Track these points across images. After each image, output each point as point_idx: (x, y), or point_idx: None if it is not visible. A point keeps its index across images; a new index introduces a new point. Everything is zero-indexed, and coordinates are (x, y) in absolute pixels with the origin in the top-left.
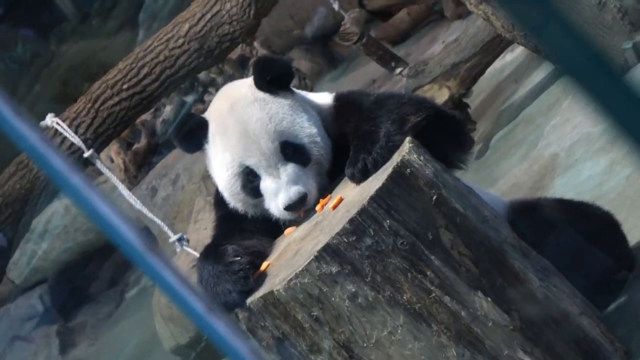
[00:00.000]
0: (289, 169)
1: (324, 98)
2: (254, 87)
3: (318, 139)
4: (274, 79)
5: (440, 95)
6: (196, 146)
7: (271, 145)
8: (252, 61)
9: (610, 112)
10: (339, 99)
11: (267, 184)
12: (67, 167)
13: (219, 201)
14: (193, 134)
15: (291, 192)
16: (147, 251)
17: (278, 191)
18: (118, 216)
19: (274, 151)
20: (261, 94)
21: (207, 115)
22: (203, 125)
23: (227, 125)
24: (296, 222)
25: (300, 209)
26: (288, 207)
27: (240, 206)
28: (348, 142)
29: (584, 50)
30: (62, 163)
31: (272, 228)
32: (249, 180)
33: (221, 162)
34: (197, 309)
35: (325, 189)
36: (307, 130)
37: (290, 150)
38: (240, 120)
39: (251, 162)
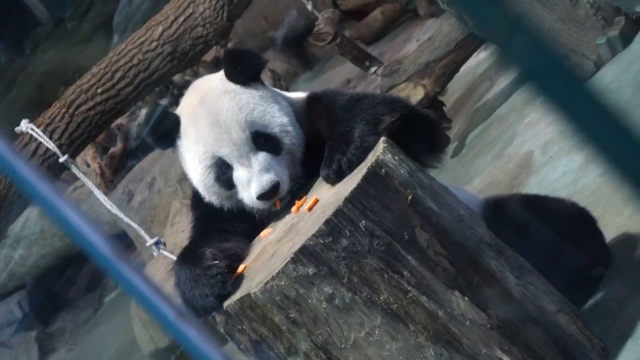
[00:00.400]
0: (260, 158)
1: (297, 96)
2: (224, 79)
3: (289, 128)
4: (245, 69)
5: (416, 93)
6: (169, 142)
7: (242, 135)
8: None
9: (574, 118)
10: (312, 97)
11: (239, 174)
12: (35, 175)
13: (196, 201)
14: (166, 131)
15: (263, 180)
16: (116, 258)
17: (250, 180)
18: (87, 223)
19: (245, 141)
20: (232, 86)
21: (179, 111)
22: (175, 121)
23: (198, 118)
24: (270, 214)
25: (274, 197)
26: (261, 196)
27: (215, 199)
28: (320, 140)
29: (547, 55)
30: (29, 171)
31: (250, 228)
32: (222, 171)
33: (194, 155)
34: (168, 315)
35: (298, 179)
36: (279, 120)
37: (262, 140)
38: (211, 112)
39: (223, 153)
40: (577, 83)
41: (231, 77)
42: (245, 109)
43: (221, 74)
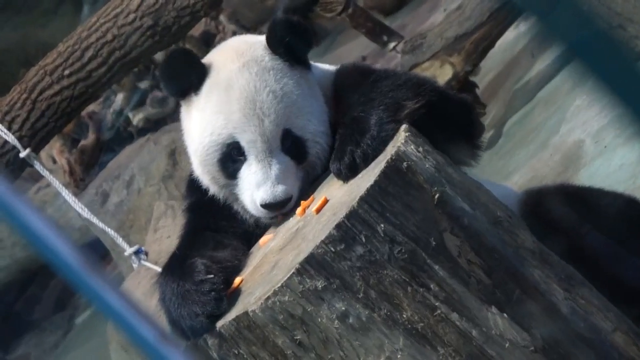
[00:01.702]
0: (283, 162)
1: (326, 70)
2: (269, 50)
3: (321, 140)
4: (292, 44)
5: (442, 73)
6: (182, 91)
7: (275, 129)
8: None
9: (628, 102)
10: (340, 73)
11: (251, 170)
12: None
13: (191, 186)
14: (189, 72)
15: (278, 190)
16: (87, 270)
17: (262, 183)
18: (52, 230)
19: (275, 135)
20: (279, 63)
21: (209, 63)
22: (203, 70)
23: (232, 85)
24: (269, 224)
25: (278, 211)
26: (267, 206)
27: (207, 179)
28: None
29: (596, 28)
30: None
31: (251, 230)
32: (232, 157)
33: (208, 122)
34: (148, 338)
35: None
36: (313, 126)
37: (289, 142)
38: (250, 86)
39: (244, 139)
40: (631, 60)
41: (276, 49)
42: (287, 98)
43: (264, 41)
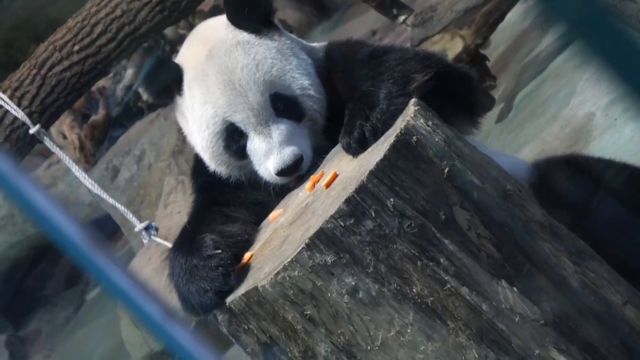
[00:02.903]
0: (281, 127)
1: (313, 46)
2: (231, 27)
3: (312, 91)
4: (252, 13)
5: (453, 46)
6: (168, 96)
7: (260, 99)
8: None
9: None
10: (331, 48)
11: (256, 145)
12: None
13: (198, 167)
14: (165, 83)
15: (285, 154)
16: (91, 248)
17: (269, 153)
18: (56, 207)
19: (263, 105)
20: (244, 35)
21: (181, 61)
22: (177, 73)
23: (206, 75)
24: (285, 189)
25: (295, 173)
26: (281, 172)
27: (223, 169)
28: (340, 101)
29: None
30: None
31: (260, 202)
32: (234, 139)
33: (200, 117)
34: (154, 315)
35: (321, 149)
36: (300, 81)
37: (282, 104)
38: (222, 69)
39: (237, 119)
40: (632, 38)
41: (238, 22)
42: (262, 65)
43: (225, 20)
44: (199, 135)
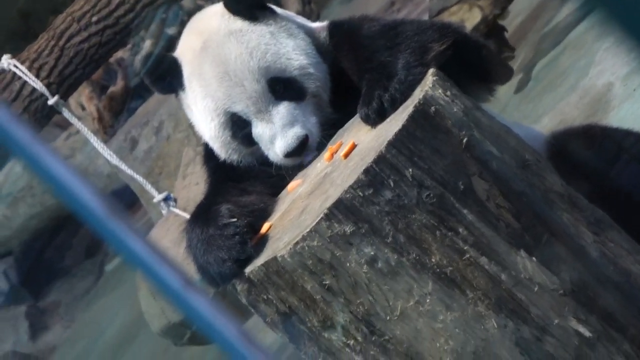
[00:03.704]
0: (281, 110)
1: (317, 26)
2: (226, 15)
3: (311, 69)
4: (250, 1)
5: (471, 17)
6: (170, 89)
7: (257, 86)
8: None
9: None
10: (334, 26)
11: (259, 131)
12: (11, 120)
13: (209, 154)
14: (165, 76)
15: (289, 137)
16: (111, 217)
17: (274, 138)
18: (75, 177)
19: (261, 92)
20: (237, 24)
21: (178, 54)
22: (175, 68)
23: (202, 68)
24: (300, 168)
25: (303, 152)
26: (288, 154)
27: (235, 157)
28: (347, 78)
29: None
30: (3, 115)
31: (277, 178)
32: (240, 128)
33: (203, 110)
34: (173, 285)
35: (330, 122)
36: (297, 62)
37: (281, 87)
38: (217, 60)
39: (238, 109)
40: None
41: (232, 8)
42: (256, 52)
43: (221, 7)
44: (205, 127)
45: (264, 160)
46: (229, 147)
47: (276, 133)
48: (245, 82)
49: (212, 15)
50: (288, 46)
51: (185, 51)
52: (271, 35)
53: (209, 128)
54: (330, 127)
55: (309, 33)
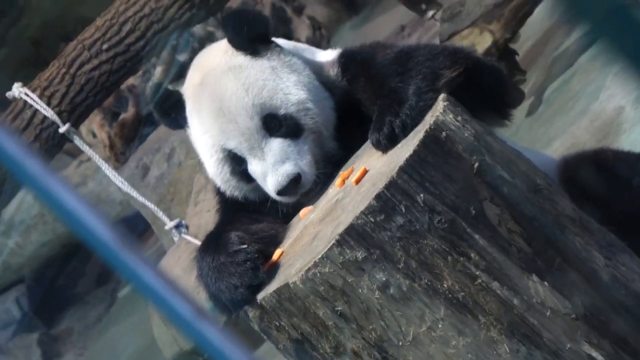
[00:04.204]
0: (274, 147)
1: (326, 55)
2: (229, 51)
3: (309, 104)
4: (251, 31)
5: (482, 41)
6: (178, 124)
7: (250, 123)
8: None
9: None
10: (346, 55)
11: (254, 168)
12: (21, 150)
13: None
14: (171, 112)
15: (279, 174)
16: (121, 247)
17: (266, 175)
18: (86, 207)
19: (254, 130)
20: (237, 59)
21: (184, 90)
22: (180, 103)
23: (200, 104)
24: (306, 202)
25: (296, 191)
26: (280, 193)
27: (237, 193)
28: (358, 106)
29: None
30: (14, 145)
31: (285, 208)
32: (237, 164)
33: (203, 147)
34: (184, 314)
35: (332, 158)
36: (295, 97)
37: (276, 124)
38: (213, 97)
39: (232, 145)
40: None
41: (235, 44)
42: (252, 89)
43: (224, 44)
44: (207, 163)
45: (265, 197)
46: (229, 183)
47: (267, 170)
48: (238, 118)
49: (215, 50)
50: (289, 81)
51: (188, 86)
52: (272, 70)
53: (209, 164)
54: (335, 163)
55: (316, 67)
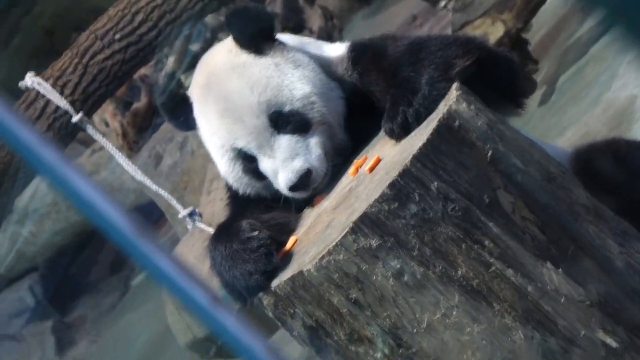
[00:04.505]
0: (283, 144)
1: (334, 49)
2: (234, 49)
3: (314, 97)
4: (256, 29)
5: (494, 31)
6: (188, 126)
7: (257, 122)
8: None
9: None
10: (356, 49)
11: (264, 165)
12: (36, 139)
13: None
14: (179, 114)
15: (289, 171)
16: (137, 235)
17: (276, 172)
18: (101, 195)
19: (261, 127)
20: (241, 58)
21: (190, 91)
22: (187, 105)
23: (206, 105)
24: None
25: (308, 186)
26: (292, 189)
27: (249, 190)
28: (369, 98)
29: None
30: (29, 134)
31: (298, 203)
32: (248, 162)
33: (213, 147)
34: (200, 301)
35: (345, 149)
36: (299, 92)
37: (283, 120)
38: (218, 97)
39: (241, 145)
40: None
41: (240, 42)
42: (256, 87)
43: (228, 43)
44: (218, 162)
45: (277, 195)
46: (241, 181)
47: (277, 168)
48: (245, 117)
49: (220, 50)
50: (293, 77)
51: (194, 88)
52: (276, 67)
53: (220, 164)
54: (346, 156)
55: (323, 61)
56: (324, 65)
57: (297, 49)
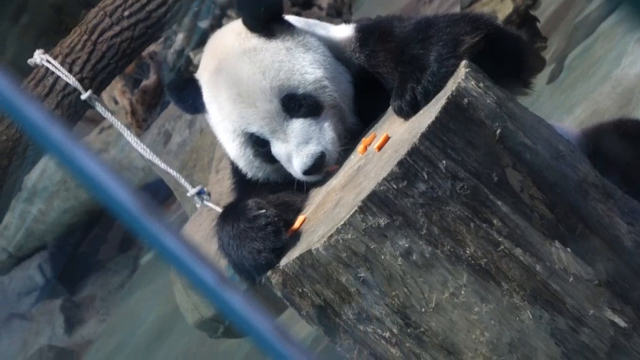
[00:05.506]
0: (296, 128)
1: (340, 30)
2: (243, 32)
3: (326, 81)
4: (267, 12)
5: (503, 8)
6: (196, 110)
7: (270, 106)
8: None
9: None
10: (363, 30)
11: (277, 150)
12: (44, 117)
13: (235, 167)
14: (187, 98)
15: (304, 155)
16: (145, 214)
17: (290, 156)
18: (109, 173)
19: (274, 112)
20: (251, 42)
21: (199, 75)
22: (195, 89)
23: (218, 90)
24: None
25: (322, 169)
26: (306, 172)
27: (260, 174)
28: (377, 79)
29: None
30: (37, 112)
31: (310, 186)
32: (260, 146)
33: (223, 131)
34: (207, 280)
35: (354, 131)
36: (311, 76)
37: (296, 104)
38: (230, 82)
39: (253, 129)
40: None
41: (249, 25)
42: (269, 72)
43: (238, 24)
44: (228, 147)
45: (288, 177)
46: (252, 165)
47: (291, 152)
48: (257, 102)
49: (228, 33)
50: (305, 60)
51: (203, 72)
52: (287, 51)
53: (231, 148)
54: (353, 137)
55: (330, 43)
56: (332, 48)
57: (305, 31)
